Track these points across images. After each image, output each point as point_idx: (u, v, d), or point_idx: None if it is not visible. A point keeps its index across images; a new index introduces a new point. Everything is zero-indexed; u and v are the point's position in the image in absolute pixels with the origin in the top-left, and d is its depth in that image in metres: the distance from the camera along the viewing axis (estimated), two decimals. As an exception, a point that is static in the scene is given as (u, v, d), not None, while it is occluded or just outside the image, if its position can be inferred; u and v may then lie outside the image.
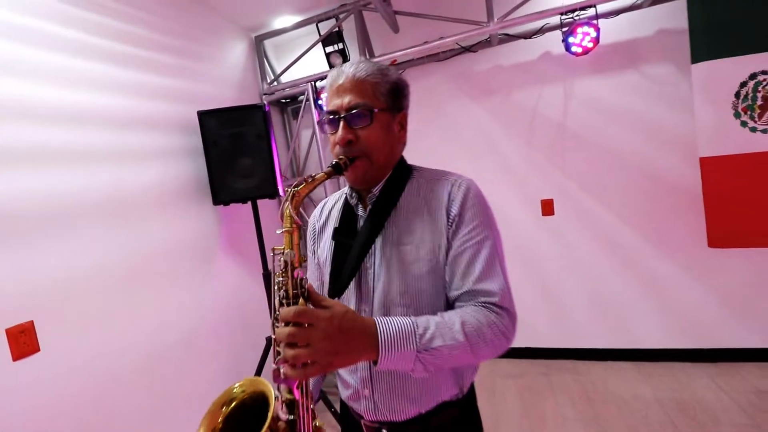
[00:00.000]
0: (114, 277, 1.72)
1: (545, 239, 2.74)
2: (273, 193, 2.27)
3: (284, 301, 0.67)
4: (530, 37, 2.56)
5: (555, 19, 2.39)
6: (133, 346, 1.77)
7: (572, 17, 2.28)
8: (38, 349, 1.43)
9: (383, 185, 0.84)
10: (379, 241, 0.82)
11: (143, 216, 1.90)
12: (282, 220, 0.71)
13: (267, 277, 2.39)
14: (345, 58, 2.78)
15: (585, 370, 2.64)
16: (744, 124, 2.04)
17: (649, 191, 2.49)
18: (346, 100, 0.79)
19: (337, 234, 0.87)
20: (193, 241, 2.20)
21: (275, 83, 3.01)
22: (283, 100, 3.18)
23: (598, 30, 2.20)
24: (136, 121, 1.93)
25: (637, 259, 2.56)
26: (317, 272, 0.97)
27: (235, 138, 2.21)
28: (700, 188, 2.15)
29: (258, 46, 2.97)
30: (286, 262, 0.67)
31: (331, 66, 2.80)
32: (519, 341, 2.68)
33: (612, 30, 2.43)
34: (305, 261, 0.74)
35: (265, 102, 2.93)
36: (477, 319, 0.70)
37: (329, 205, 0.97)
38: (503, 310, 0.73)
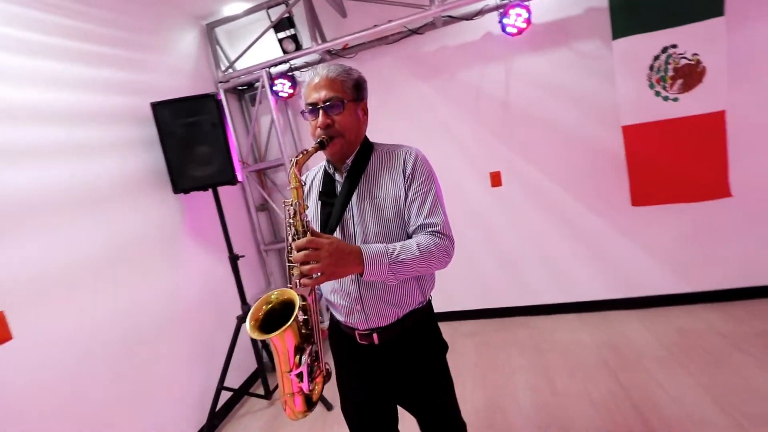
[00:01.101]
0: (83, 267, 1.80)
1: (495, 208, 2.96)
2: (232, 180, 2.35)
3: (295, 237, 0.95)
4: (471, 19, 2.70)
5: (492, 1, 2.54)
6: (105, 333, 1.86)
7: (506, -1, 2.44)
8: (10, 337, 1.52)
9: (354, 157, 1.12)
10: (354, 198, 1.09)
11: (107, 207, 1.97)
12: (289, 181, 0.98)
13: (233, 259, 2.51)
14: (297, 44, 2.85)
15: (535, 324, 2.92)
16: (658, 93, 2.28)
17: (581, 158, 2.74)
18: (323, 94, 1.05)
19: (322, 195, 1.14)
20: (159, 230, 2.27)
21: (230, 71, 3.04)
22: (240, 88, 3.22)
23: (529, 11, 2.37)
24: (91, 115, 1.97)
25: (575, 221, 2.83)
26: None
27: (191, 127, 2.27)
28: (623, 153, 2.40)
29: (210, 34, 2.98)
30: (295, 210, 0.95)
31: (284, 52, 2.86)
32: (477, 303, 2.93)
33: (546, 10, 2.61)
34: (308, 208, 1.00)
35: (221, 90, 2.97)
36: (427, 242, 1.02)
37: (311, 176, 1.23)
38: (444, 235, 1.05)
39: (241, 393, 2.68)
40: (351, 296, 1.10)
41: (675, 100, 2.26)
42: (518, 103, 2.80)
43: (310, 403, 0.99)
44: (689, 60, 2.19)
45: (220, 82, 3.01)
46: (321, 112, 1.05)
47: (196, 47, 2.86)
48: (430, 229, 1.04)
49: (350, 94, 1.08)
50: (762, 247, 2.59)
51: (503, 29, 2.45)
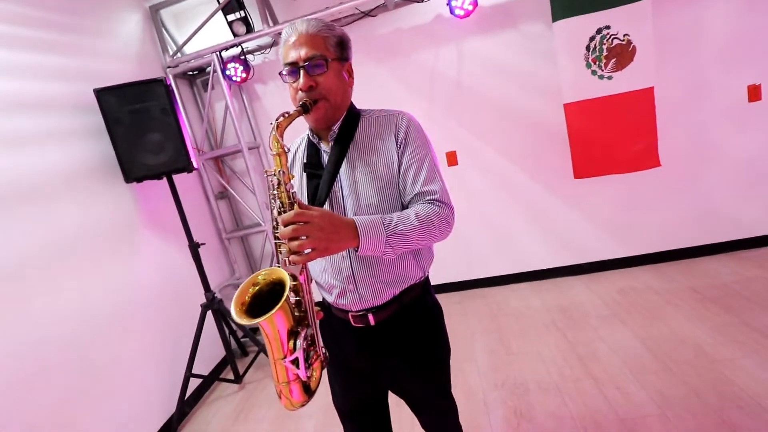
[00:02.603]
0: (30, 266, 1.72)
1: (453, 187, 3.06)
2: (187, 167, 2.31)
3: (281, 210, 0.85)
4: (422, 1, 2.75)
5: (441, -17, 2.60)
6: (59, 332, 1.79)
7: (454, -19, 2.50)
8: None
9: (341, 123, 1.02)
10: (343, 168, 1.00)
11: (53, 201, 1.89)
12: (270, 148, 0.88)
13: (194, 248, 2.48)
14: (248, 27, 2.79)
15: (491, 294, 3.10)
16: (594, 72, 2.44)
17: (528, 135, 2.90)
18: (303, 52, 0.93)
19: (307, 167, 1.05)
20: (111, 221, 2.21)
21: (178, 55, 2.94)
22: (191, 73, 3.13)
23: (476, -7, 2.45)
24: (29, 104, 1.87)
25: (523, 194, 3.01)
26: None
27: (139, 114, 2.20)
28: (566, 129, 2.57)
29: (154, 17, 2.86)
30: (278, 180, 0.85)
31: (235, 35, 2.80)
32: (436, 278, 3.01)
33: (494, -8, 2.71)
34: (293, 177, 0.90)
35: (170, 75, 2.87)
36: (425, 211, 0.92)
37: (293, 148, 1.14)
38: (443, 203, 0.96)
39: (210, 379, 2.69)
40: (343, 275, 1.01)
41: (609, 78, 2.43)
42: (470, 84, 2.90)
43: (308, 392, 0.91)
44: (621, 40, 2.35)
45: (169, 67, 2.91)
46: (302, 72, 0.93)
47: (140, 31, 2.75)
48: (428, 198, 0.95)
49: (334, 52, 0.96)
50: (688, 211, 2.87)
51: (451, 11, 2.53)
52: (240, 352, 2.99)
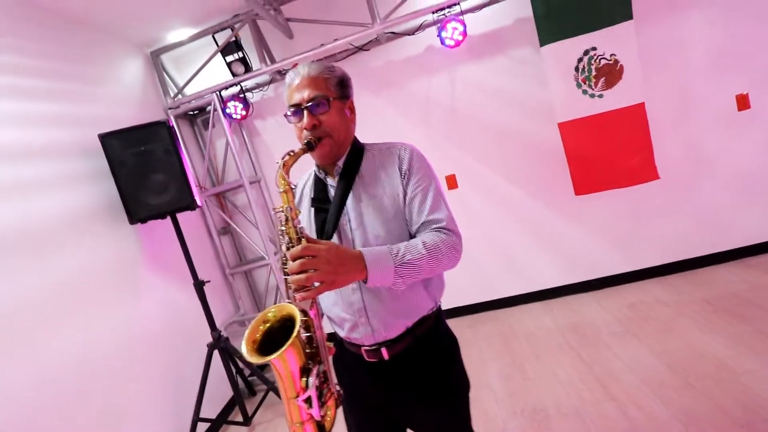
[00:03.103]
0: (33, 311, 1.71)
1: (455, 210, 3.08)
2: (191, 205, 2.33)
3: (289, 245, 0.86)
4: (413, 34, 2.86)
5: (430, 17, 2.71)
6: (62, 377, 1.75)
7: (443, 14, 2.61)
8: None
9: (346, 158, 1.05)
10: (350, 201, 1.01)
11: (59, 245, 1.89)
12: (277, 185, 0.91)
13: (199, 286, 2.46)
14: (247, 66, 2.88)
15: (502, 316, 3.06)
16: (585, 92, 2.51)
17: (526, 155, 2.94)
18: (306, 94, 0.98)
19: (315, 202, 1.07)
20: (115, 263, 2.20)
21: (179, 96, 3.02)
22: (191, 113, 3.20)
23: (464, 24, 2.55)
24: (35, 151, 1.91)
25: (526, 214, 3.02)
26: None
27: (142, 156, 2.23)
28: (562, 148, 2.61)
29: (155, 61, 2.96)
30: (286, 216, 0.88)
31: (234, 74, 2.89)
32: (446, 303, 2.98)
33: (480, 22, 2.82)
34: (300, 213, 0.92)
35: (171, 116, 2.93)
36: (433, 239, 0.92)
37: (300, 185, 1.16)
38: (450, 231, 0.96)
39: (218, 423, 2.60)
40: (353, 308, 1.00)
41: (600, 96, 2.49)
42: (464, 109, 2.97)
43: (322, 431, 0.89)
44: (608, 60, 2.43)
45: (170, 108, 2.98)
46: (306, 112, 0.97)
47: (141, 75, 2.83)
48: (434, 226, 0.96)
49: (335, 92, 1.01)
50: (690, 221, 2.88)
51: (442, 42, 2.62)
52: (248, 392, 2.91)
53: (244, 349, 0.83)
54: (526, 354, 2.51)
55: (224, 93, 3.00)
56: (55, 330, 1.78)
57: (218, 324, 2.69)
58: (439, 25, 2.62)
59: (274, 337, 0.85)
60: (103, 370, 1.96)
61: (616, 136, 2.52)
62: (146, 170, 2.24)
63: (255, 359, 0.81)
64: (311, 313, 0.89)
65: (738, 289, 2.55)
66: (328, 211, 1.02)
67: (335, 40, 2.73)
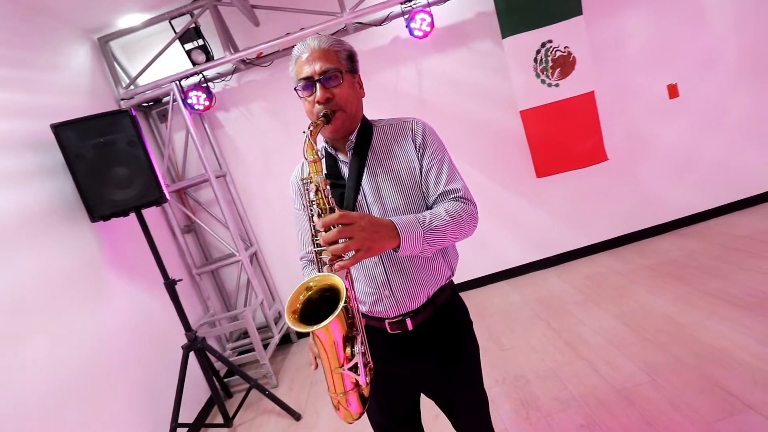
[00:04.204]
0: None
1: (425, 197, 3.19)
2: (159, 199, 2.20)
3: (322, 215, 0.86)
4: (380, 25, 2.90)
5: (397, 8, 2.77)
6: (26, 396, 1.57)
7: (410, 5, 2.68)
8: None
9: (358, 132, 1.05)
10: (364, 176, 1.02)
11: (10, 250, 1.69)
12: (305, 156, 0.89)
13: (170, 285, 2.33)
14: (208, 55, 2.76)
15: (474, 296, 3.21)
16: (543, 81, 2.70)
17: (491, 142, 3.12)
18: (317, 66, 0.96)
19: (329, 177, 1.04)
20: (76, 266, 2.01)
21: (132, 87, 2.81)
22: (146, 104, 3.00)
23: (431, 15, 2.64)
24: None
25: (493, 198, 3.19)
26: (308, 223, 1.09)
27: (103, 148, 2.06)
28: (524, 134, 2.79)
29: (104, 48, 2.73)
30: (316, 186, 0.87)
31: (194, 63, 2.75)
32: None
33: (445, 15, 2.92)
34: (330, 182, 0.91)
35: (123, 107, 2.73)
36: (454, 207, 0.96)
37: (296, 176, 1.14)
38: (467, 200, 1.00)
39: (197, 426, 2.49)
40: (377, 281, 1.02)
41: (557, 86, 2.70)
42: (431, 99, 3.07)
43: (363, 401, 0.90)
44: (563, 52, 2.64)
45: (123, 99, 2.77)
46: (318, 85, 0.96)
47: (90, 63, 2.60)
48: (452, 196, 1.00)
49: (346, 65, 1.00)
50: (633, 198, 3.22)
51: (411, 33, 2.69)
52: (224, 394, 2.81)
53: (287, 319, 0.82)
54: (500, 328, 2.67)
55: (184, 83, 2.85)
56: (12, 348, 1.58)
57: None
58: (407, 16, 2.68)
59: (313, 307, 0.84)
60: (70, 387, 1.78)
61: (571, 122, 2.75)
62: (107, 163, 2.08)
63: (300, 328, 0.80)
64: (346, 283, 0.89)
65: (676, 255, 2.90)
66: (343, 186, 1.03)
67: (301, 29, 2.70)
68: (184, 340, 2.35)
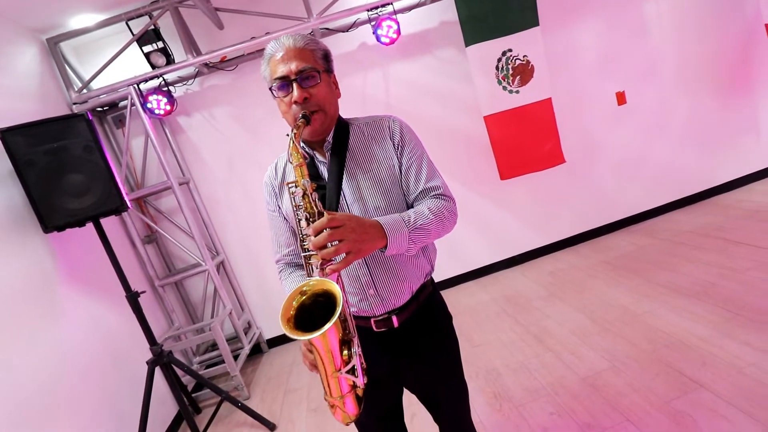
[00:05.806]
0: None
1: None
2: (119, 207, 2.09)
3: (310, 220, 0.85)
4: (347, 31, 2.93)
5: (364, 15, 2.81)
6: None
7: (377, 13, 2.73)
8: None
9: (334, 132, 1.03)
10: (344, 177, 1.01)
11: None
12: (290, 160, 0.87)
13: (133, 298, 2.21)
14: (168, 58, 2.67)
15: (444, 297, 3.24)
16: (504, 88, 2.83)
17: (456, 146, 3.22)
18: (293, 66, 0.93)
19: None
20: (27, 281, 1.87)
21: (85, 90, 2.67)
22: (100, 108, 2.85)
23: (398, 23, 2.71)
24: None
25: (459, 201, 3.21)
26: (284, 224, 1.09)
27: (56, 154, 1.94)
28: (488, 138, 2.91)
29: (53, 50, 2.57)
30: (303, 191, 0.85)
31: (153, 66, 2.65)
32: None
33: (410, 23, 3.00)
34: (316, 187, 0.89)
35: (76, 111, 2.58)
36: (435, 204, 0.98)
37: (281, 164, 1.11)
38: (447, 197, 1.03)
39: (165, 445, 2.37)
40: (361, 281, 1.03)
41: (517, 92, 2.84)
42: (399, 104, 3.13)
43: (359, 402, 0.90)
44: (522, 60, 2.79)
45: (75, 103, 2.62)
46: (295, 85, 0.93)
47: (38, 65, 2.44)
48: (432, 194, 1.01)
49: (322, 65, 0.99)
50: (588, 198, 3.43)
51: (378, 39, 2.74)
52: (192, 409, 2.69)
53: (282, 326, 0.79)
54: (470, 326, 2.75)
55: (143, 87, 2.74)
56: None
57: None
58: (374, 23, 2.73)
59: (307, 313, 0.82)
60: (25, 414, 1.65)
61: (530, 126, 2.90)
62: (61, 170, 1.95)
63: (296, 335, 0.77)
64: (338, 286, 0.89)
65: (628, 251, 3.11)
66: (323, 187, 1.01)
67: (267, 33, 2.68)
68: (148, 356, 2.24)
